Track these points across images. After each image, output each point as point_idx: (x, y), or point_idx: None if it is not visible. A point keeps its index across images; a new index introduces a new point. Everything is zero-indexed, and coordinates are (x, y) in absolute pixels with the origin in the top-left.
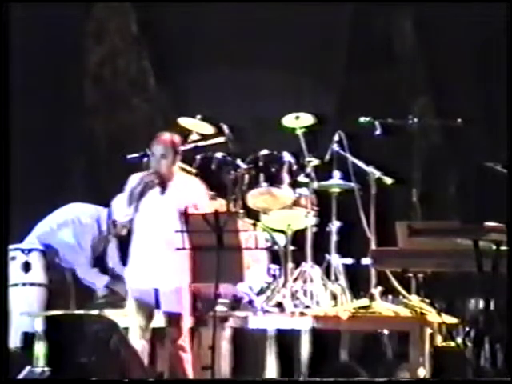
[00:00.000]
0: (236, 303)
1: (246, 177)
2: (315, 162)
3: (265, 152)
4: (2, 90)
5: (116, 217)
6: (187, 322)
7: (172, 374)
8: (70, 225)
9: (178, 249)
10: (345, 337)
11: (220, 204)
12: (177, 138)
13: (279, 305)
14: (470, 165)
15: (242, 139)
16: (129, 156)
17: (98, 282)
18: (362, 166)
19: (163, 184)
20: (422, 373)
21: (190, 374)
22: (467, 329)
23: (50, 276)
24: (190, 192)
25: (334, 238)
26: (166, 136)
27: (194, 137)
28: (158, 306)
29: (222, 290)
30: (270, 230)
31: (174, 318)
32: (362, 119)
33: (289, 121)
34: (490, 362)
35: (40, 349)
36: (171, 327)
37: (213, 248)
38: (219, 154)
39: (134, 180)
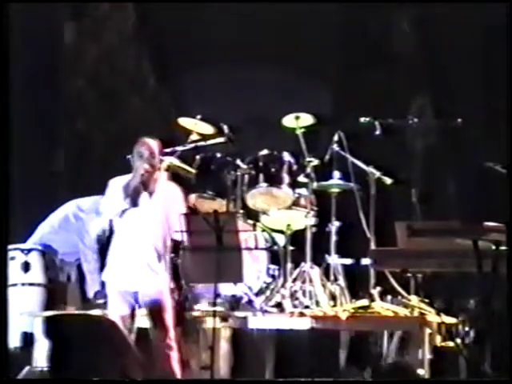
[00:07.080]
0: (235, 303)
1: (246, 177)
2: (315, 162)
3: (265, 152)
4: (2, 90)
5: (107, 216)
6: (171, 320)
7: (160, 372)
8: (70, 221)
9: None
10: (344, 337)
11: (220, 204)
12: (159, 145)
13: (278, 305)
14: (470, 165)
15: (242, 139)
16: (128, 156)
17: (91, 288)
18: (362, 166)
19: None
20: (422, 373)
21: (178, 372)
22: (467, 329)
23: (50, 276)
24: (175, 198)
25: (333, 238)
26: (150, 140)
27: (193, 137)
28: (139, 305)
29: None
30: (269, 230)
31: (157, 319)
32: (362, 119)
33: (289, 121)
34: (490, 362)
35: (39, 349)
36: (156, 327)
37: (213, 248)
38: (219, 154)
39: (115, 184)
